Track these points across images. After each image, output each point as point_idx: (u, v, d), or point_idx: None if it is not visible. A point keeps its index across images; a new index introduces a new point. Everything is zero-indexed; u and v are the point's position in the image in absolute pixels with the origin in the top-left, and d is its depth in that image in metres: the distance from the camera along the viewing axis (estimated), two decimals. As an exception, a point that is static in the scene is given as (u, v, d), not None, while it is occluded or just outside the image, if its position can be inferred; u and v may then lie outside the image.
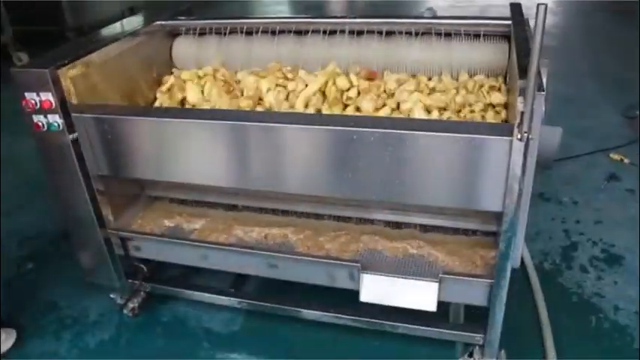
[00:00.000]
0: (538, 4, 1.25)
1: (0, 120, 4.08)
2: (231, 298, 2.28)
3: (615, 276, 2.53)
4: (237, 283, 2.37)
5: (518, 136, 1.44)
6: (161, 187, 2.39)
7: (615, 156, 3.48)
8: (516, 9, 2.15)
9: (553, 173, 3.26)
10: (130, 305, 2.43)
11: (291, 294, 2.21)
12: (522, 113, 1.40)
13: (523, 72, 1.44)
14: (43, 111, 1.88)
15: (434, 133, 1.57)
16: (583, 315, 2.33)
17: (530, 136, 1.43)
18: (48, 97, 1.85)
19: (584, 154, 3.52)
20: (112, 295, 2.44)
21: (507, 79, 2.10)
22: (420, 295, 1.89)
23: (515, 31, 1.87)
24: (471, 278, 1.85)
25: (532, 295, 2.38)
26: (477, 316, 2.02)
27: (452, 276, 1.86)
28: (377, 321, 2.08)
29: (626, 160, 3.44)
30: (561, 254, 2.68)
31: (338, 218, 2.22)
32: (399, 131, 1.60)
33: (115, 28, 2.40)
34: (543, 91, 1.42)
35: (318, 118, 1.77)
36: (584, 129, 3.79)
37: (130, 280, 2.35)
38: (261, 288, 2.32)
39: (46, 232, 3.08)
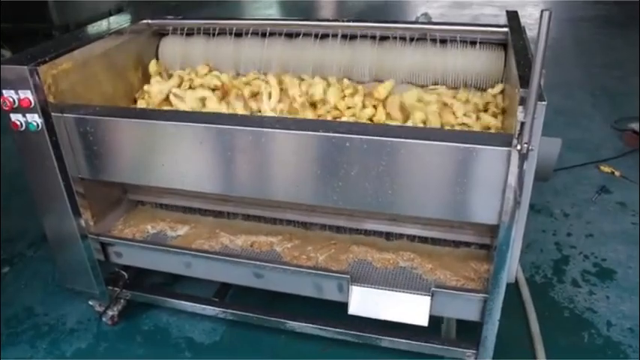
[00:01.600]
0: (542, 11, 1.20)
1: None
2: (215, 308, 2.20)
3: (607, 291, 2.49)
4: (222, 291, 2.29)
5: (518, 147, 1.38)
6: (144, 192, 2.31)
7: (606, 168, 3.46)
8: (513, 16, 2.10)
9: (544, 184, 3.22)
10: (110, 313, 2.34)
11: (277, 303, 2.14)
12: (523, 124, 1.35)
13: (524, 81, 1.39)
14: (22, 110, 1.80)
15: (430, 142, 1.51)
16: (575, 331, 2.28)
17: (530, 147, 1.38)
18: (27, 95, 1.78)
19: (575, 165, 3.49)
20: (90, 302, 2.35)
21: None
22: (411, 308, 1.83)
23: (513, 39, 1.82)
24: (464, 293, 1.79)
25: (523, 309, 2.33)
26: (468, 330, 1.96)
27: (444, 290, 1.80)
28: (365, 334, 2.01)
29: (616, 173, 3.41)
30: (553, 267, 2.64)
31: (327, 227, 2.16)
32: (392, 139, 1.54)
33: (101, 25, 2.32)
34: (544, 101, 1.37)
35: (307, 124, 1.70)
36: (575, 140, 3.76)
37: (109, 287, 2.26)
38: (247, 297, 2.24)
39: (26, 234, 2.98)
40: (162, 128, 1.76)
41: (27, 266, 2.77)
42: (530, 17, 5.97)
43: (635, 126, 3.78)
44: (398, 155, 1.56)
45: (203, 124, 1.71)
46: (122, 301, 2.37)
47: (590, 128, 4.06)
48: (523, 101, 1.33)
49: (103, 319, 2.36)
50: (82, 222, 2.05)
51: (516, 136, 1.38)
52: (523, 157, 1.41)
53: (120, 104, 2.23)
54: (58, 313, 2.47)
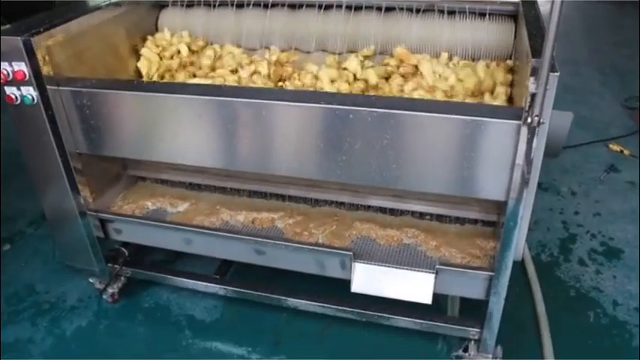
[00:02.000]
0: (557, -26, 1.13)
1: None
2: (216, 285, 2.17)
3: (614, 270, 2.45)
4: (223, 268, 2.26)
5: (528, 120, 1.33)
6: (144, 167, 2.27)
7: (615, 146, 3.40)
8: (524, -13, 2.03)
9: (551, 162, 3.17)
10: (110, 290, 2.32)
11: (279, 281, 2.11)
12: (534, 95, 1.29)
13: (536, 51, 1.33)
14: (16, 82, 1.75)
15: (436, 115, 1.46)
16: (581, 310, 2.25)
17: (540, 120, 1.32)
18: (21, 67, 1.73)
19: (583, 143, 3.43)
20: (91, 280, 2.33)
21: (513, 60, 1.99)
22: (415, 286, 1.79)
23: (525, 9, 1.75)
24: (469, 270, 1.75)
25: (529, 288, 2.30)
26: (472, 309, 1.93)
27: (449, 267, 1.76)
28: (368, 312, 1.98)
29: (625, 152, 3.35)
30: (559, 246, 2.59)
31: (330, 203, 2.11)
32: (398, 111, 1.49)
33: (100, -4, 2.26)
34: (557, 71, 1.31)
35: (311, 96, 1.65)
36: (584, 118, 3.69)
37: (109, 265, 2.24)
38: (248, 274, 2.21)
39: (26, 212, 2.95)
40: (162, 101, 1.71)
41: (27, 244, 2.75)
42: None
43: (644, 104, 3.71)
44: (403, 128, 1.51)
45: (203, 97, 1.66)
46: (122, 278, 2.34)
47: (599, 106, 3.99)
48: (535, 71, 1.27)
49: (104, 296, 2.34)
50: (81, 198, 2.02)
51: (527, 108, 1.33)
52: (533, 130, 1.36)
53: (117, 77, 2.17)
54: (58, 290, 2.44)
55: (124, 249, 2.27)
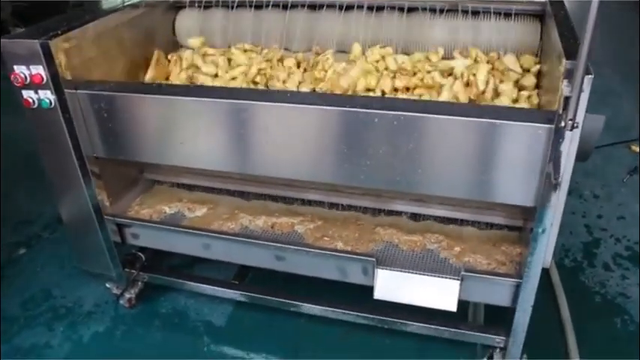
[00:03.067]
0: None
1: (0, 96, 3.90)
2: (234, 291, 2.14)
3: (641, 275, 2.39)
4: (241, 273, 2.23)
5: (562, 124, 1.28)
6: (162, 171, 2.24)
7: (637, 148, 3.33)
8: (550, -14, 1.98)
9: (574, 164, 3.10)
10: (127, 296, 2.29)
11: (297, 286, 2.07)
12: (568, 98, 1.24)
13: (569, 53, 1.28)
14: (34, 86, 1.73)
15: (464, 119, 1.41)
16: (607, 316, 2.19)
17: (575, 124, 1.27)
18: (39, 70, 1.70)
19: (604, 145, 3.35)
20: (107, 285, 2.30)
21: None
22: (439, 293, 1.75)
23: (554, 9, 1.70)
24: (496, 277, 1.70)
25: (553, 294, 2.24)
26: (497, 315, 1.88)
27: (475, 274, 1.71)
28: (389, 319, 1.94)
29: (647, 153, 3.28)
30: (583, 251, 2.54)
31: (351, 208, 2.07)
32: (424, 115, 1.44)
33: (116, -1, 2.23)
34: (591, 74, 1.27)
35: (333, 99, 1.61)
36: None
37: (126, 270, 2.21)
38: (267, 279, 2.17)
39: (42, 215, 2.93)
40: (181, 104, 1.68)
41: (43, 248, 2.73)
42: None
43: (666, 104, 3.63)
44: (429, 132, 1.46)
45: (224, 100, 1.62)
46: (139, 283, 2.32)
47: (620, 107, 3.92)
48: (569, 74, 1.23)
49: (121, 301, 2.31)
50: (98, 203, 1.99)
51: (560, 111, 1.28)
52: (566, 134, 1.31)
53: (135, 79, 2.15)
54: (75, 295, 2.42)
55: (141, 254, 2.25)
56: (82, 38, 1.83)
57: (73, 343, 2.20)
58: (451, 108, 1.49)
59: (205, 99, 1.65)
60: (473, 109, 1.52)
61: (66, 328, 2.26)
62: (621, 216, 2.77)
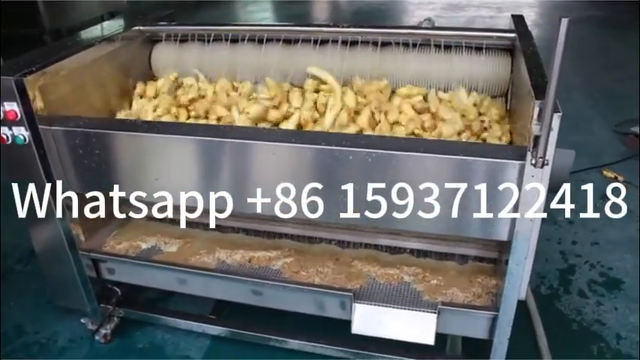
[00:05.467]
0: (560, 17, 1.12)
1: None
2: (211, 326, 2.12)
3: (615, 301, 2.42)
4: (219, 307, 2.21)
5: (532, 162, 1.31)
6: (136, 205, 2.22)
7: (609, 173, 3.39)
8: (519, 21, 2.04)
9: (547, 191, 3.15)
10: (102, 332, 2.25)
11: (277, 319, 2.05)
12: (537, 137, 1.27)
13: (539, 91, 1.32)
14: (8, 122, 1.72)
15: (436, 155, 1.43)
16: (584, 344, 2.21)
17: (545, 162, 1.30)
18: (13, 107, 1.70)
19: (577, 170, 3.42)
20: (82, 320, 2.26)
21: (508, 96, 1.99)
22: (417, 327, 1.75)
23: (523, 45, 1.74)
24: (473, 310, 1.71)
25: (530, 322, 2.26)
26: (475, 345, 1.88)
27: (452, 307, 1.72)
28: (367, 352, 1.93)
29: (620, 178, 3.35)
30: (559, 277, 2.57)
31: (329, 241, 2.08)
32: (395, 152, 1.46)
33: (92, 32, 2.23)
34: (559, 112, 1.30)
35: (304, 136, 1.63)
36: (576, 144, 3.67)
37: (102, 305, 2.18)
38: (245, 313, 2.15)
39: (17, 247, 2.88)
40: (155, 141, 1.68)
41: (17, 281, 2.68)
42: (527, 19, 5.91)
43: (636, 129, 3.71)
44: (401, 169, 1.48)
45: (197, 137, 1.63)
46: (115, 318, 2.28)
47: (591, 131, 4.00)
48: (540, 113, 1.26)
49: (96, 337, 2.27)
50: (73, 238, 1.97)
51: (530, 149, 1.31)
52: (536, 171, 1.34)
53: (111, 114, 2.14)
54: (49, 330, 2.37)
55: (117, 288, 2.22)
56: (58, 74, 1.83)
57: (48, 381, 2.15)
58: (423, 145, 1.51)
59: (178, 136, 1.65)
60: (444, 145, 1.53)
61: (39, 366, 2.21)
62: (595, 242, 2.82)
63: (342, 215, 1.59)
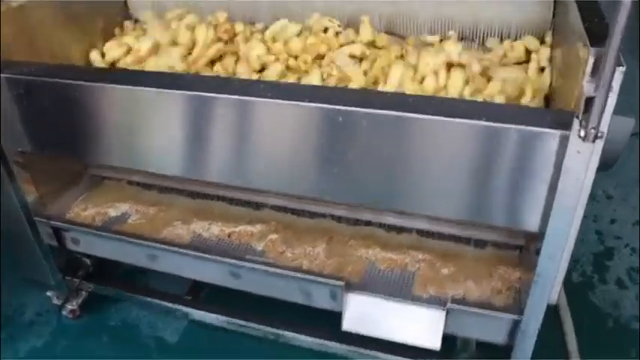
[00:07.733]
0: None
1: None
2: (186, 307, 1.85)
3: (660, 294, 2.09)
4: (196, 288, 1.94)
5: (581, 133, 0.97)
6: (107, 167, 1.94)
7: (657, 141, 2.99)
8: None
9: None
10: (69, 307, 2.01)
11: (262, 304, 1.77)
12: (591, 99, 0.92)
13: (596, 36, 0.96)
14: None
15: (452, 119, 1.09)
16: (621, 346, 1.89)
17: (598, 133, 0.96)
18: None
19: (620, 138, 3.02)
20: (48, 294, 2.02)
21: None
22: (420, 327, 1.45)
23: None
24: (490, 312, 1.39)
25: (557, 317, 1.93)
26: (489, 346, 1.58)
27: (464, 307, 1.40)
28: (362, 350, 1.65)
29: (668, 147, 2.95)
30: (593, 263, 2.23)
31: (322, 216, 1.77)
32: (401, 114, 1.12)
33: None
34: (623, 65, 0.94)
35: (302, 91, 1.31)
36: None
37: (68, 278, 1.93)
38: (226, 294, 1.88)
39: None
40: (124, 94, 1.36)
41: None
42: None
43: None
44: (409, 136, 1.15)
45: (177, 91, 1.30)
46: (83, 292, 2.03)
47: (636, 94, 3.56)
48: (596, 66, 0.90)
49: (63, 312, 2.03)
50: (27, 203, 1.70)
51: (580, 115, 0.96)
52: (585, 145, 1.00)
53: (74, 61, 1.84)
54: (16, 303, 2.14)
55: (87, 260, 1.96)
56: (7, 8, 1.53)
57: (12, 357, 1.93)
58: (437, 105, 1.16)
59: (151, 89, 1.31)
60: (464, 106, 1.18)
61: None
62: (637, 221, 2.46)
63: (331, 192, 1.28)
